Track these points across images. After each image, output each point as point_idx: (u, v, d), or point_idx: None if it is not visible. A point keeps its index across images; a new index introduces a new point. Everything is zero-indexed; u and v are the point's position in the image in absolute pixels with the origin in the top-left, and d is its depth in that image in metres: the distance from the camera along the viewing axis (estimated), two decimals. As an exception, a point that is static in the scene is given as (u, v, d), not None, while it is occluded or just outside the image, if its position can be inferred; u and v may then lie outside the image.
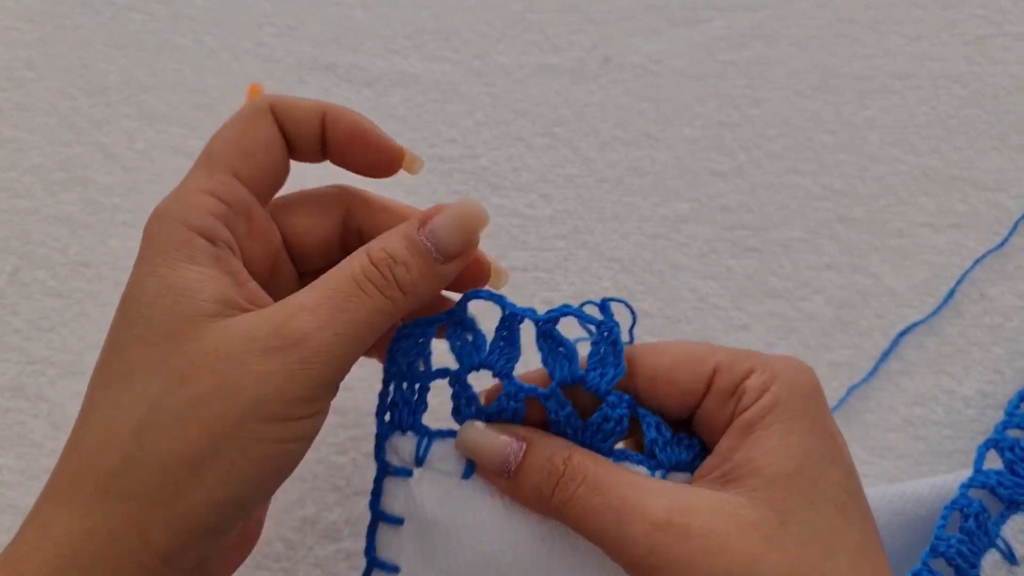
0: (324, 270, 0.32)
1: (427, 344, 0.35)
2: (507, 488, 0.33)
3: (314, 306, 0.30)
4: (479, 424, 0.33)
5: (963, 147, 0.50)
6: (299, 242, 0.35)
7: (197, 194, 0.32)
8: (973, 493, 0.39)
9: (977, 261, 0.47)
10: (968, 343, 0.46)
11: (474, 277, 0.36)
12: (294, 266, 0.36)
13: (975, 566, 0.38)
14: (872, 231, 0.48)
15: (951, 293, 0.47)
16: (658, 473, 0.33)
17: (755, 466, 0.30)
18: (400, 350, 0.35)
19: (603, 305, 0.35)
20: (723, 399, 0.32)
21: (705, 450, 0.34)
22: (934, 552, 0.38)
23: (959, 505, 0.39)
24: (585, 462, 0.31)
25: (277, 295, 0.32)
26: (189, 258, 0.31)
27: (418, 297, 0.32)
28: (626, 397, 0.34)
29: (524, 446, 0.32)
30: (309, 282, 0.32)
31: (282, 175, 0.35)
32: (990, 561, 0.38)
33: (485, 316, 0.36)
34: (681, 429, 0.34)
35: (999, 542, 0.38)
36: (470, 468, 0.34)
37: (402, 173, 0.37)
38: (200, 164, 0.33)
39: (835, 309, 0.47)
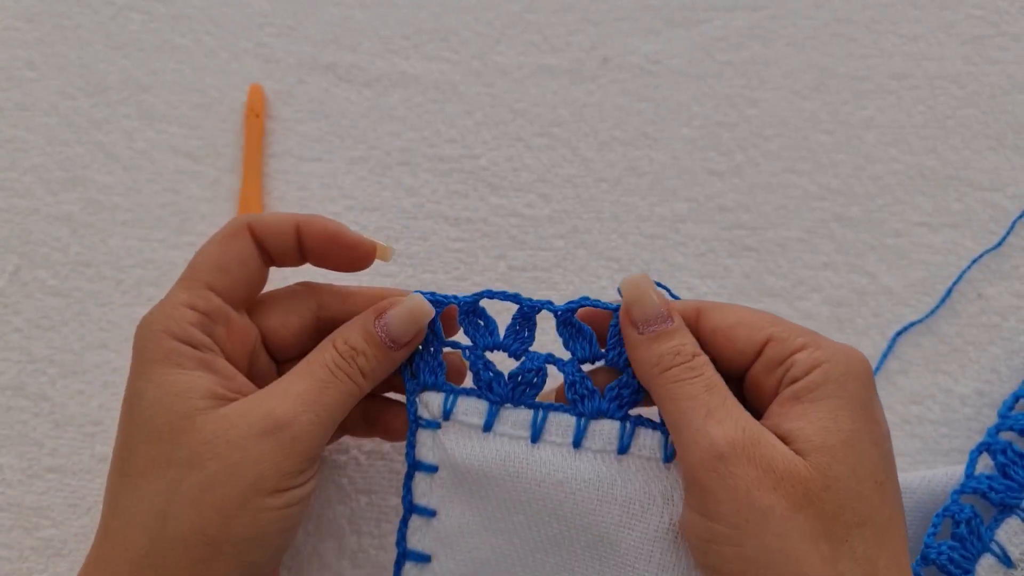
0: (298, 358, 0.38)
1: (435, 317, 0.38)
2: (638, 341, 0.36)
3: (298, 392, 0.35)
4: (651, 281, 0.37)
5: (960, 147, 0.50)
6: (275, 336, 0.39)
7: (178, 307, 0.36)
8: (964, 499, 0.39)
9: (974, 261, 0.47)
10: (965, 342, 0.46)
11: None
12: (271, 356, 0.40)
13: (969, 572, 0.38)
14: (869, 231, 0.48)
15: (948, 292, 0.47)
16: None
17: (804, 434, 0.32)
18: None
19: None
20: (771, 367, 0.35)
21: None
22: (925, 560, 0.38)
23: (950, 512, 0.39)
24: (709, 365, 0.35)
25: (256, 384, 0.37)
26: (177, 364, 0.35)
27: (377, 379, 0.37)
28: None
29: (672, 323, 0.36)
30: (285, 370, 0.38)
31: (258, 283, 0.39)
32: (985, 566, 0.38)
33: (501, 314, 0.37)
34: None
35: (994, 546, 0.38)
36: (490, 422, 0.38)
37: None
38: (182, 278, 0.37)
39: (832, 308, 0.47)
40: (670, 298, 0.38)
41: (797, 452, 0.32)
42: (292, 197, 0.50)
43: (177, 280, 0.37)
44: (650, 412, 0.38)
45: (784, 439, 0.33)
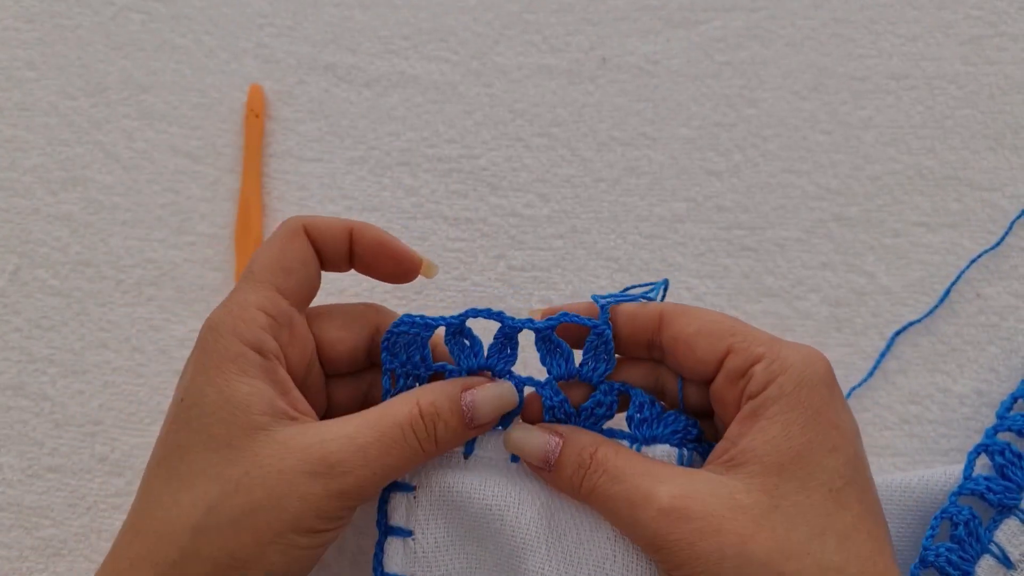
0: (350, 374, 0.39)
1: (425, 341, 0.38)
2: (549, 479, 0.36)
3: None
4: (524, 425, 0.37)
5: (958, 147, 0.50)
6: (331, 349, 0.39)
7: (247, 308, 0.36)
8: (963, 500, 0.39)
9: (973, 261, 0.47)
10: (963, 342, 0.47)
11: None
12: (324, 369, 0.39)
13: (968, 573, 0.38)
14: (868, 230, 0.48)
15: (947, 292, 0.47)
16: (635, 446, 0.37)
17: (756, 453, 0.33)
18: (399, 344, 0.38)
19: (608, 305, 0.38)
20: (732, 379, 0.35)
21: (695, 426, 0.38)
22: (923, 563, 0.38)
23: (948, 513, 0.39)
24: (608, 454, 0.35)
25: (307, 394, 0.37)
26: (242, 371, 0.34)
27: (444, 451, 0.37)
28: (617, 384, 0.38)
29: (561, 442, 0.36)
30: (331, 385, 0.39)
31: (316, 286, 0.39)
32: (985, 567, 0.38)
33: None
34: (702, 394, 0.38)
35: (993, 547, 0.38)
36: (471, 446, 0.38)
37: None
38: (246, 279, 0.37)
39: (831, 308, 0.47)
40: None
41: (747, 474, 0.32)
42: (292, 197, 0.50)
43: (240, 280, 0.37)
44: (622, 423, 0.39)
45: (737, 459, 0.33)
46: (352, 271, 0.40)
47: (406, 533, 0.38)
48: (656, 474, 0.34)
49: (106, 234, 0.49)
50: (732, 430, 0.34)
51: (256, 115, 0.51)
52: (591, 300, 0.38)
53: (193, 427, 0.34)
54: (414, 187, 0.50)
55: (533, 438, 0.36)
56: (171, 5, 0.53)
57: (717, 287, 0.48)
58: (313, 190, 0.50)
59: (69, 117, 0.51)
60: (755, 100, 0.51)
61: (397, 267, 0.39)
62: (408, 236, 0.49)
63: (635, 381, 0.39)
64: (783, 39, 0.52)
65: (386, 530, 0.38)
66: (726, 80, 0.51)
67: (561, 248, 0.49)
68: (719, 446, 0.35)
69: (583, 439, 0.36)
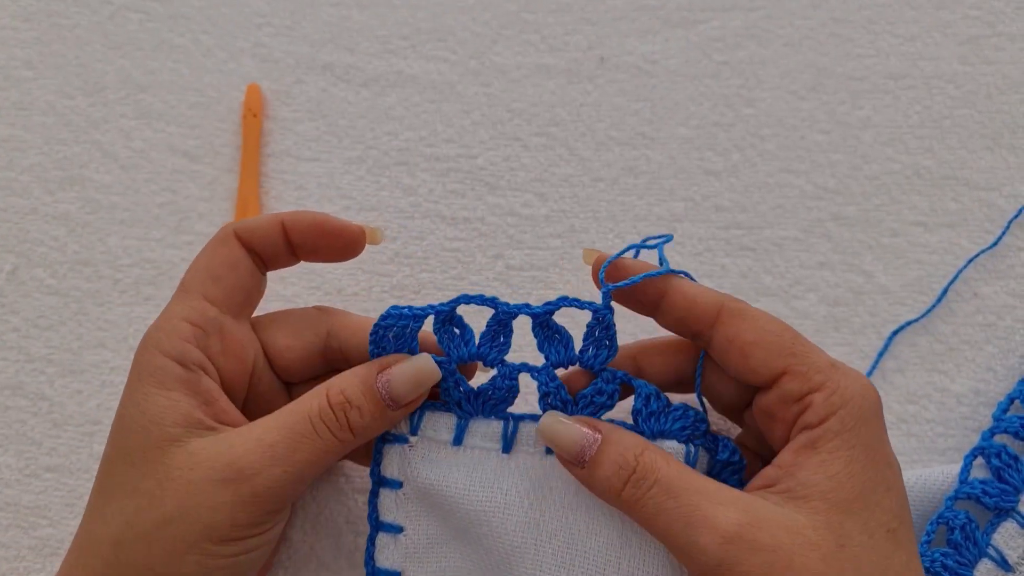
0: (308, 380, 0.37)
1: (415, 333, 0.37)
2: (581, 476, 0.34)
3: (270, 443, 0.33)
4: (560, 414, 0.35)
5: (956, 147, 0.50)
6: (280, 357, 0.38)
7: (171, 320, 0.36)
8: (959, 505, 0.39)
9: (970, 260, 0.47)
10: (960, 341, 0.47)
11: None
12: (279, 377, 0.39)
13: None
14: (865, 230, 0.48)
15: (944, 292, 0.47)
16: None
17: (819, 489, 0.32)
18: (387, 337, 0.37)
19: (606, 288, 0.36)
20: (787, 401, 0.34)
21: (703, 421, 0.36)
22: None
23: (944, 518, 0.38)
24: (657, 461, 0.33)
25: (260, 404, 0.37)
26: (160, 384, 0.34)
27: (365, 438, 0.36)
28: (619, 373, 0.36)
29: (600, 438, 0.34)
30: (296, 393, 0.38)
31: (252, 289, 0.38)
32: (983, 571, 0.38)
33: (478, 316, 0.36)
34: (739, 395, 0.36)
35: (991, 551, 0.38)
36: (460, 436, 0.36)
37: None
38: (177, 292, 0.37)
39: (828, 307, 0.47)
40: (673, 272, 0.36)
41: (811, 510, 0.32)
42: (290, 197, 0.50)
43: (174, 294, 0.37)
44: (624, 414, 0.37)
45: (797, 491, 0.32)
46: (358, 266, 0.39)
47: (397, 485, 0.37)
48: (714, 494, 0.32)
49: (104, 233, 0.49)
50: (786, 458, 0.33)
51: (254, 115, 0.50)
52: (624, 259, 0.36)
53: (115, 442, 0.35)
54: (412, 187, 0.50)
55: (569, 431, 0.34)
56: (169, 4, 0.53)
57: (715, 286, 0.48)
58: (311, 190, 0.50)
59: (67, 116, 0.51)
60: (753, 100, 0.51)
61: (338, 243, 0.37)
62: (406, 236, 0.49)
63: (654, 370, 0.37)
64: (781, 39, 0.52)
65: (376, 524, 0.38)
66: (724, 80, 0.51)
67: (559, 248, 0.49)
68: (769, 472, 0.34)
69: (626, 439, 0.34)
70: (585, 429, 0.34)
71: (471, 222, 0.49)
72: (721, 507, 0.31)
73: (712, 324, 0.35)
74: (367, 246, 0.38)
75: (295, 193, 0.50)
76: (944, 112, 0.50)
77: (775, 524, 0.31)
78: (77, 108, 0.52)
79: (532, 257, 0.49)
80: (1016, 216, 0.48)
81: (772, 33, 0.52)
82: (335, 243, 0.37)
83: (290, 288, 0.48)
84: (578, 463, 0.34)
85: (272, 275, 0.40)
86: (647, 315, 0.37)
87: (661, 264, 0.36)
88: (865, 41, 0.52)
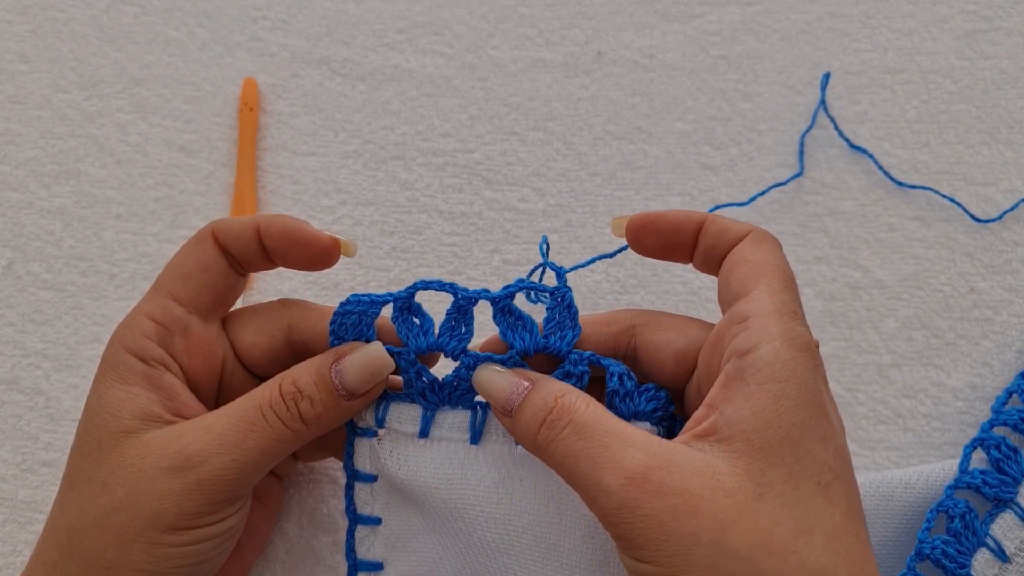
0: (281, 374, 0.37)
1: (371, 321, 0.36)
2: (508, 426, 0.34)
3: (220, 431, 0.34)
4: (497, 366, 0.35)
5: (953, 141, 0.50)
6: (247, 354, 0.38)
7: (137, 317, 0.36)
8: (959, 494, 0.39)
9: (773, 187, 0.48)
10: (957, 336, 0.47)
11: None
12: (252, 373, 0.39)
13: (965, 566, 0.38)
14: (862, 225, 0.48)
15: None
16: None
17: (742, 428, 0.30)
18: (345, 325, 0.36)
19: (546, 263, 0.37)
20: (732, 323, 0.32)
21: (671, 400, 0.35)
22: (919, 556, 0.38)
23: (944, 507, 0.39)
24: (576, 403, 0.32)
25: (230, 399, 0.36)
26: (121, 378, 0.35)
27: (321, 428, 0.35)
28: (587, 354, 0.35)
29: (530, 386, 0.33)
30: None
31: (224, 291, 0.37)
32: (981, 560, 0.38)
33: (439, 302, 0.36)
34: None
35: (989, 541, 0.38)
36: (426, 428, 0.36)
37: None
38: (149, 289, 0.37)
39: (825, 302, 0.47)
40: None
41: (732, 452, 0.29)
42: (286, 191, 0.50)
43: (147, 291, 0.37)
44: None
45: (723, 431, 0.30)
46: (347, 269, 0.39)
47: (370, 478, 0.37)
48: (628, 436, 0.30)
49: (100, 228, 0.49)
50: (715, 393, 0.31)
51: (250, 109, 0.50)
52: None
53: (79, 433, 0.35)
54: (409, 181, 0.50)
55: (499, 378, 0.34)
56: (165, -2, 0.53)
57: (711, 282, 0.48)
58: (307, 184, 0.50)
59: (62, 110, 0.51)
60: (750, 94, 0.51)
61: (313, 252, 0.37)
62: (403, 230, 0.49)
63: (601, 347, 0.36)
64: (778, 33, 0.52)
65: (355, 517, 0.38)
66: (721, 74, 0.51)
67: (556, 243, 0.49)
68: (698, 412, 0.32)
69: (555, 385, 0.33)
70: (516, 378, 0.34)
71: (468, 217, 0.49)
72: (631, 448, 0.30)
73: (696, 232, 0.36)
74: (342, 257, 0.38)
75: (292, 187, 0.50)
76: (941, 107, 0.50)
77: (687, 468, 0.29)
78: (73, 102, 0.51)
79: (529, 252, 0.49)
80: (1012, 208, 0.48)
81: (769, 27, 0.52)
82: (305, 252, 0.37)
83: (287, 283, 0.48)
84: (506, 412, 0.33)
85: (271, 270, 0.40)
86: (684, 261, 0.37)
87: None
88: (862, 36, 0.52)
